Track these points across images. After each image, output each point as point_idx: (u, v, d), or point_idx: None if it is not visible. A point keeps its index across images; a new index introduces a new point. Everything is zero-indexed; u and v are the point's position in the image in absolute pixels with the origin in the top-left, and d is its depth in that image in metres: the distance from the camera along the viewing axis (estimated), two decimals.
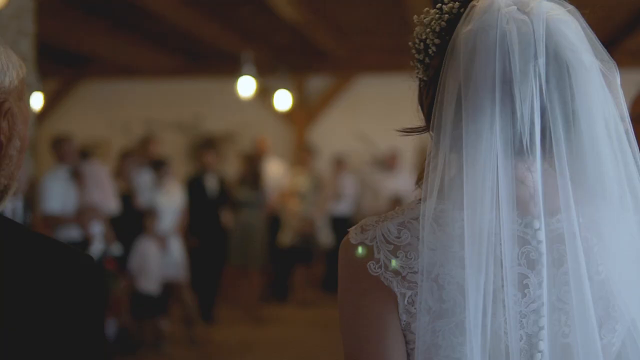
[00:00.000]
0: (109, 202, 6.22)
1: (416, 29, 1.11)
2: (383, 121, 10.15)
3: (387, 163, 9.60)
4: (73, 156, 6.12)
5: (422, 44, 1.10)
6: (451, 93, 1.04)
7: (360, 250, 1.06)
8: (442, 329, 1.03)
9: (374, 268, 1.05)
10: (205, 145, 8.44)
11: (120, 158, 7.32)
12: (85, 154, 6.75)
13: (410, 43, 1.11)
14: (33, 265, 1.03)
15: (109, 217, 6.21)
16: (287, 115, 10.32)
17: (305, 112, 10.45)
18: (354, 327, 1.07)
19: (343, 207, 9.52)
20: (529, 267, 1.05)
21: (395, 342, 1.04)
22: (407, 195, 9.15)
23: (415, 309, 1.04)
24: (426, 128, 1.12)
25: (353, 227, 1.09)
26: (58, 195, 5.85)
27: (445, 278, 1.03)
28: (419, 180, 1.11)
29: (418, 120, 1.15)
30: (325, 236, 8.96)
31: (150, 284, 6.56)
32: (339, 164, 9.66)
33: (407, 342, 1.05)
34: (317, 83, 10.49)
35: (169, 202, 7.18)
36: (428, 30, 1.09)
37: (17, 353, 0.98)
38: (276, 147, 9.88)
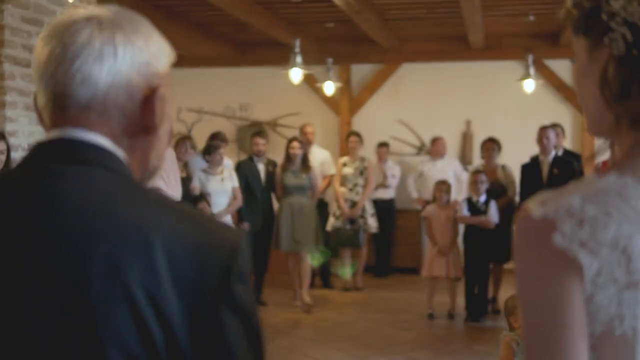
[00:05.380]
0: (172, 189, 6.26)
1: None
2: (428, 108, 10.14)
3: (432, 150, 9.59)
4: None
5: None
6: None
7: (542, 223, 1.09)
8: (628, 300, 1.06)
9: (560, 240, 1.08)
10: (255, 132, 8.52)
11: (175, 144, 7.39)
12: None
13: (604, 16, 1.08)
14: (190, 236, 1.06)
15: None
16: (333, 103, 10.34)
17: (350, 100, 10.46)
18: (537, 299, 1.09)
19: (388, 194, 9.55)
20: None
21: (578, 313, 1.06)
22: (451, 181, 9.10)
23: (601, 280, 1.06)
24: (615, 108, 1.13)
25: (531, 201, 1.12)
26: None
27: (634, 250, 1.05)
28: (592, 157, 1.14)
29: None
30: (371, 222, 8.98)
31: None
32: (384, 150, 9.68)
33: (587, 314, 1.08)
34: (362, 71, 10.48)
35: (221, 186, 7.26)
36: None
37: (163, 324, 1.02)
38: (322, 134, 9.92)
